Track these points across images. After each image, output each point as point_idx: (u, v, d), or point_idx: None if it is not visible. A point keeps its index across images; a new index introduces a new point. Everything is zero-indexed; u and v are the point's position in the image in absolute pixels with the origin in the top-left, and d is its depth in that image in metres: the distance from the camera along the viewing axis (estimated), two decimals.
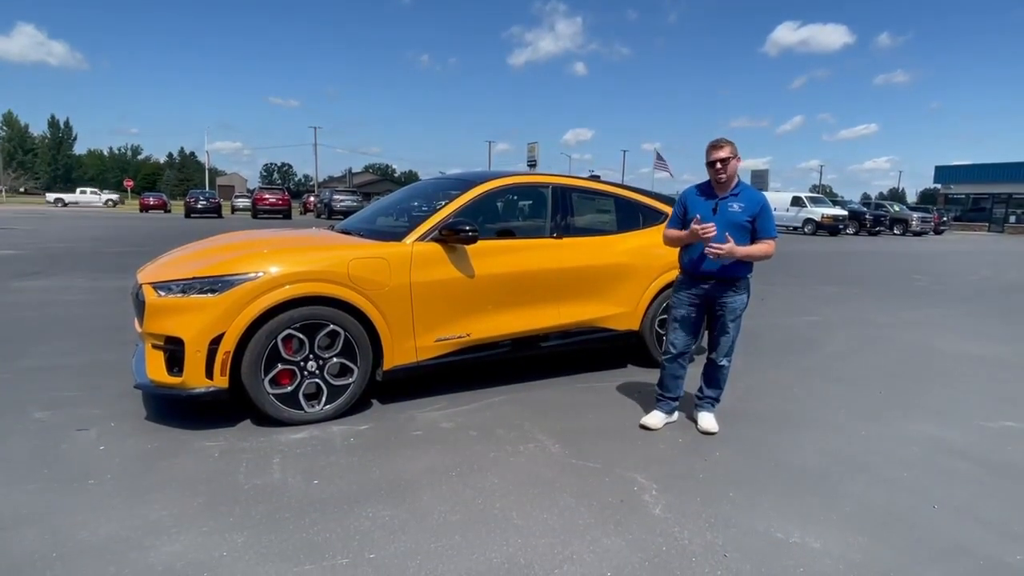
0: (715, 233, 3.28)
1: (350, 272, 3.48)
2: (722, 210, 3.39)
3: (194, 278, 3.31)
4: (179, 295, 3.27)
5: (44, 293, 7.43)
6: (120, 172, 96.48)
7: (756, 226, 3.40)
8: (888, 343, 6.13)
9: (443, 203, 4.04)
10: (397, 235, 3.84)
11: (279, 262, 3.37)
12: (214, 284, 3.26)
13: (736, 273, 3.43)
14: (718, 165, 3.36)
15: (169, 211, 38.44)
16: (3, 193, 63.38)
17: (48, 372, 4.26)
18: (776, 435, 3.57)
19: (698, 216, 3.35)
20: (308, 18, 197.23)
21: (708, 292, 3.49)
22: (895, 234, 30.56)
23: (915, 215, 31.45)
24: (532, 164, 44.61)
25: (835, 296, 9.26)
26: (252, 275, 3.28)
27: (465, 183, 4.26)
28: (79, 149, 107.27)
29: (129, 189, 57.03)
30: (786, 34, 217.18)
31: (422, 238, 3.79)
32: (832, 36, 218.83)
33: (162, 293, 3.30)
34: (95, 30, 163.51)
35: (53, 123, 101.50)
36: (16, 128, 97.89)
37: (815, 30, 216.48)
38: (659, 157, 32.61)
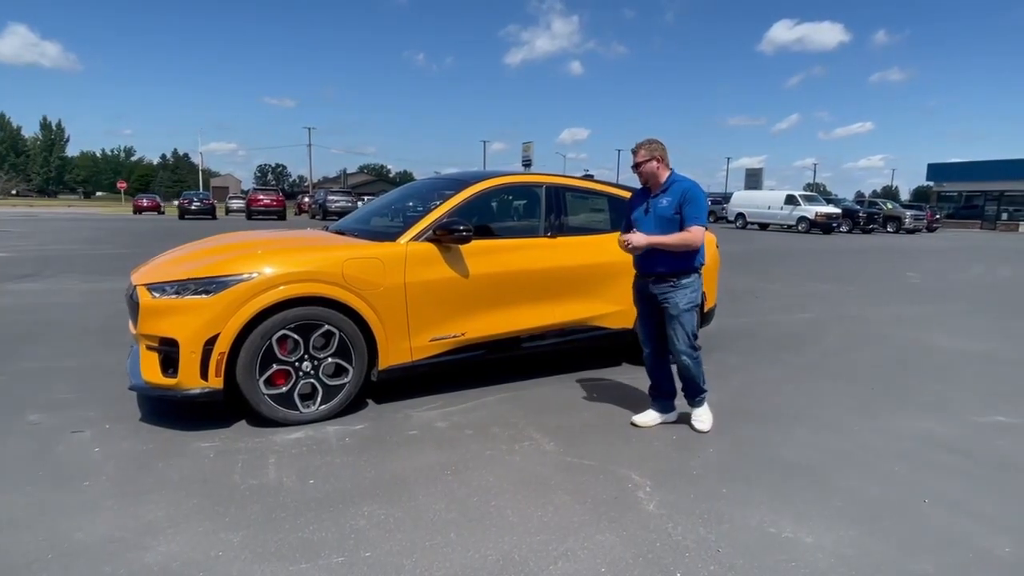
0: (633, 244, 3.40)
1: (344, 272, 3.48)
2: (653, 208, 3.48)
3: (188, 279, 3.31)
4: (173, 296, 3.27)
5: (38, 295, 7.40)
6: (113, 174, 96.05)
7: (682, 215, 3.40)
8: (881, 340, 6.17)
9: (437, 203, 4.05)
10: (391, 235, 3.85)
11: (273, 263, 3.38)
12: (208, 285, 3.26)
13: (666, 270, 3.44)
14: (635, 170, 3.53)
15: (163, 213, 38.30)
16: None
17: (43, 374, 4.25)
18: (769, 431, 3.59)
19: (620, 234, 3.50)
20: (303, 17, 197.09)
21: (650, 289, 3.53)
22: (888, 232, 30.68)
23: (908, 213, 31.58)
24: (527, 163, 44.72)
25: (829, 293, 9.31)
26: (246, 276, 3.28)
27: (459, 183, 4.27)
28: (72, 151, 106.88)
29: (123, 191, 56.73)
30: (782, 32, 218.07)
31: (416, 238, 3.80)
32: (828, 34, 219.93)
33: (156, 294, 3.30)
34: (89, 30, 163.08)
35: (45, 125, 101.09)
36: (8, 130, 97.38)
37: (811, 28, 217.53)
38: None
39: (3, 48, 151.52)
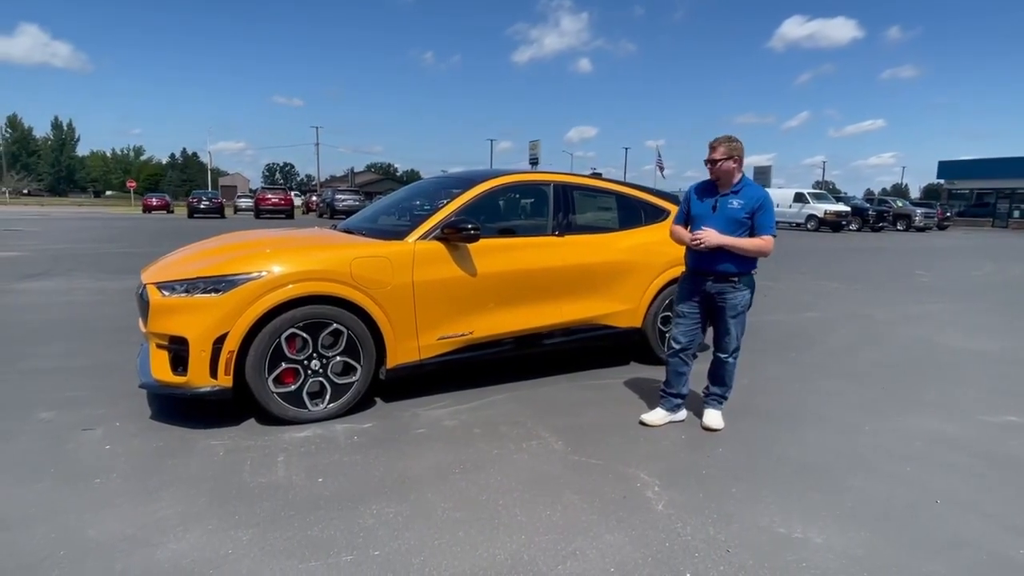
0: (703, 243, 3.38)
1: (352, 271, 3.49)
2: (721, 207, 3.44)
3: (198, 278, 3.33)
4: (183, 295, 3.29)
5: (48, 294, 7.46)
6: (123, 173, 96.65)
7: (754, 222, 3.42)
8: (890, 339, 6.13)
9: (445, 202, 4.05)
10: (399, 234, 3.86)
11: (282, 261, 3.39)
12: (218, 284, 3.28)
13: (734, 269, 3.44)
14: (709, 164, 3.46)
15: (172, 212, 38.53)
16: (7, 195, 63.63)
17: (53, 373, 4.29)
18: (778, 431, 3.57)
19: (694, 231, 3.46)
20: (311, 16, 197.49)
21: (708, 288, 3.51)
22: (898, 230, 30.49)
23: (918, 211, 31.38)
24: (534, 162, 44.64)
25: (837, 292, 9.25)
26: (255, 274, 3.29)
27: (467, 181, 4.27)
28: (82, 150, 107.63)
29: (132, 190, 57.03)
30: (793, 29, 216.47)
31: (424, 237, 3.80)
32: (840, 30, 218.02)
33: (166, 293, 3.32)
34: (99, 30, 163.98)
35: (57, 125, 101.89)
36: (20, 130, 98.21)
37: (823, 24, 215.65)
38: (658, 155, 32.77)
39: (15, 48, 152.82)
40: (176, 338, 3.24)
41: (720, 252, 3.41)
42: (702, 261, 3.49)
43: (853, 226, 28.55)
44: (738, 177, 3.48)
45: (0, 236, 16.18)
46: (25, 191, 79.91)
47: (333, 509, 2.55)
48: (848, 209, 28.17)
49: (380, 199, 6.15)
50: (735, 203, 3.42)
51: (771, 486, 2.86)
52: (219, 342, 3.21)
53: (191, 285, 3.31)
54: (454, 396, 3.99)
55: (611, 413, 3.79)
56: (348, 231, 4.35)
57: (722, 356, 3.60)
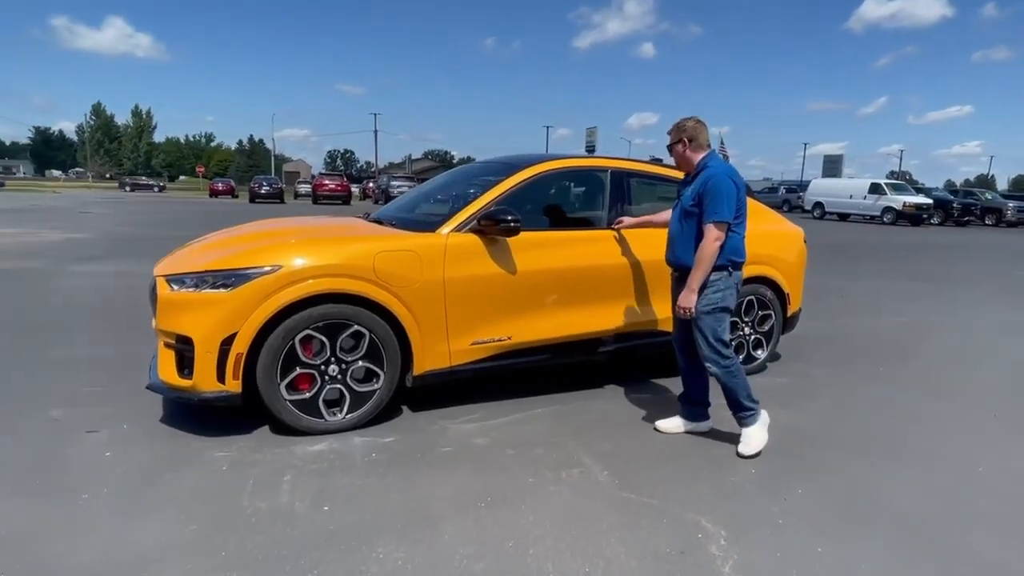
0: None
1: (376, 266, 3.11)
2: (682, 197, 3.13)
3: (207, 271, 3.01)
4: (191, 290, 2.99)
5: (98, 278, 7.49)
6: (194, 159, 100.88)
7: (702, 211, 2.95)
8: (995, 351, 5.32)
9: (483, 190, 3.61)
10: (431, 225, 3.45)
11: (298, 255, 3.04)
12: (228, 278, 2.96)
13: (686, 263, 3.02)
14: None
15: (236, 196, 39.72)
16: (90, 178, 67.48)
17: (77, 364, 4.12)
18: (871, 468, 2.99)
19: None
20: (374, 2, 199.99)
21: (674, 286, 3.25)
22: (987, 225, 28.14)
23: (1011, 204, 28.82)
24: (591, 149, 43.72)
25: (924, 294, 8.33)
26: (268, 269, 2.95)
27: (509, 167, 3.81)
28: (158, 137, 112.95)
29: (201, 175, 59.33)
30: (875, 8, 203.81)
31: (458, 228, 3.38)
32: (928, 9, 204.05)
33: (175, 287, 3.03)
34: (177, 20, 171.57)
35: (136, 112, 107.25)
36: (103, 118, 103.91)
37: (908, 2, 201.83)
38: (722, 143, 31.51)
39: (102, 40, 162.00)
40: (182, 337, 2.95)
41: (675, 242, 3.14)
42: (666, 255, 3.27)
43: (935, 220, 26.49)
44: (698, 159, 3.06)
45: (72, 217, 16.85)
46: (107, 175, 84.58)
47: (334, 548, 2.18)
48: (930, 201, 26.11)
49: (417, 186, 5.77)
50: (687, 190, 3.04)
51: (864, 541, 2.31)
52: (227, 343, 2.89)
53: (200, 279, 3.00)
54: (488, 408, 3.57)
55: (667, 437, 3.28)
56: (378, 221, 3.98)
57: (707, 368, 3.11)
